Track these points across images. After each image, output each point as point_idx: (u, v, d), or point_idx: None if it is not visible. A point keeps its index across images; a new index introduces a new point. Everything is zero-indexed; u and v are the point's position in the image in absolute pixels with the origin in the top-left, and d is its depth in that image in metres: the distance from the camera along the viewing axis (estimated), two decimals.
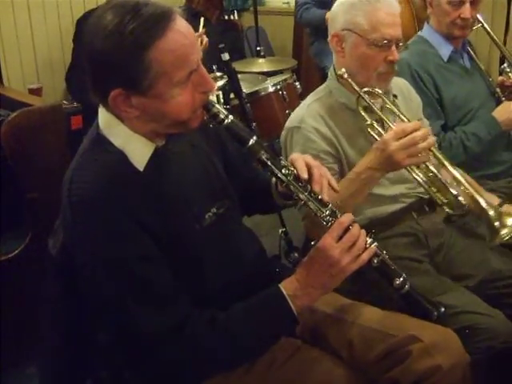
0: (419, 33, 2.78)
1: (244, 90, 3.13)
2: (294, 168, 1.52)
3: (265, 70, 3.98)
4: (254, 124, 2.98)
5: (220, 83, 2.85)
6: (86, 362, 1.69)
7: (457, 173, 1.90)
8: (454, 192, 1.87)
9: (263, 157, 1.47)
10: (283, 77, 3.57)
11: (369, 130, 1.99)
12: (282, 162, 1.51)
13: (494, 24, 4.17)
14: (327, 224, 1.49)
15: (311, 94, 2.14)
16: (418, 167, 1.95)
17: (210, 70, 3.44)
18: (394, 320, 1.69)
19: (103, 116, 1.46)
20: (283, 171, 1.49)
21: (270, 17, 5.55)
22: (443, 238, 2.19)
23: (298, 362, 1.61)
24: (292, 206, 1.78)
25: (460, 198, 1.86)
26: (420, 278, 1.94)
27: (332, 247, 1.45)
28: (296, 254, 2.91)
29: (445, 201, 1.95)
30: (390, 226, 2.09)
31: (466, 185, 1.89)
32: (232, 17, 6.02)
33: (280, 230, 2.97)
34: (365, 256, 1.49)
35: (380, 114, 1.96)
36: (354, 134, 2.04)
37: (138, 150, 1.44)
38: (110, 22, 1.31)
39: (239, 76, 3.16)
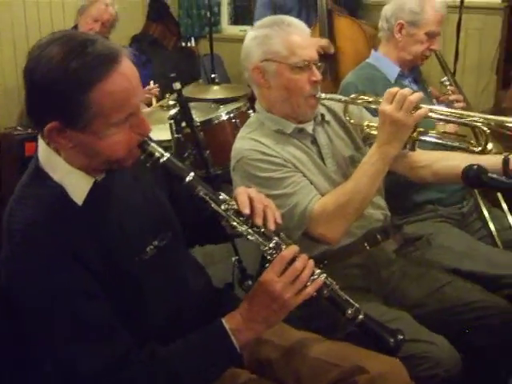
0: (366, 60, 2.84)
1: (197, 119, 3.13)
2: (236, 203, 1.51)
3: (219, 96, 4.00)
4: (207, 152, 2.99)
5: (172, 112, 2.85)
6: None
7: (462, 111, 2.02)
8: (475, 123, 1.89)
9: (201, 193, 1.47)
10: (236, 105, 3.59)
11: (367, 130, 2.10)
12: (221, 197, 1.50)
13: (445, 55, 4.26)
14: (271, 257, 1.48)
15: (243, 129, 2.16)
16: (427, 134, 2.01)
17: (163, 98, 3.45)
18: (341, 350, 1.70)
19: (42, 150, 1.45)
20: (223, 207, 1.48)
21: (227, 44, 5.59)
22: (394, 268, 2.20)
23: None
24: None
25: (483, 127, 1.86)
26: (365, 307, 1.95)
27: (273, 281, 1.44)
28: (250, 282, 2.90)
29: (473, 142, 1.99)
30: (343, 259, 2.09)
31: (478, 114, 1.92)
32: (189, 44, 6.07)
33: (233, 258, 2.96)
34: (310, 289, 1.46)
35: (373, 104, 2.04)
36: (298, 155, 2.05)
37: (77, 185, 1.43)
38: (56, 55, 1.30)
39: (193, 104, 3.18)
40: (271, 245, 1.48)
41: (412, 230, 2.52)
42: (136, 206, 1.56)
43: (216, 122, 3.36)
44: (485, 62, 4.34)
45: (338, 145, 2.14)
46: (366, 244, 2.13)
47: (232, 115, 3.39)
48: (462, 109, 2.82)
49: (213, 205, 1.48)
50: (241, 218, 1.50)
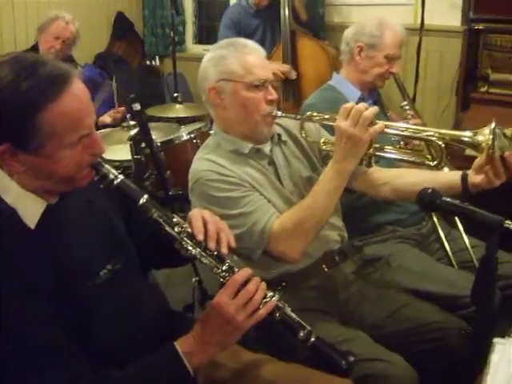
0: (328, 82, 2.85)
1: (158, 139, 3.13)
2: (190, 226, 1.52)
3: (181, 115, 4.00)
4: (168, 172, 2.98)
5: (132, 133, 2.84)
6: None
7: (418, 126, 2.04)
8: (431, 138, 1.88)
9: (154, 215, 1.48)
10: (198, 125, 3.60)
11: (324, 147, 2.10)
12: (175, 220, 1.51)
13: (406, 77, 4.34)
14: (224, 280, 1.49)
15: (200, 150, 2.15)
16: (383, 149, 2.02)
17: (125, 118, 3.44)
18: (295, 373, 1.71)
19: None
20: (176, 229, 1.50)
21: (191, 63, 5.56)
22: (353, 289, 2.21)
23: None
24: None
25: (438, 142, 1.85)
26: (322, 328, 1.96)
27: (226, 304, 1.44)
28: None
29: (428, 156, 1.98)
30: (301, 281, 2.09)
31: (433, 129, 1.91)
32: (153, 62, 6.07)
33: (194, 279, 2.95)
34: (262, 311, 1.47)
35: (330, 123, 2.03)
36: (255, 175, 2.05)
37: (29, 208, 1.42)
38: (5, 76, 1.29)
39: (154, 124, 3.17)
40: (224, 267, 1.50)
41: (371, 251, 2.54)
42: (90, 230, 1.55)
43: (177, 142, 3.36)
44: (445, 84, 4.41)
45: (295, 165, 2.15)
46: (324, 266, 2.13)
47: (193, 135, 3.40)
48: None
49: (166, 227, 1.50)
50: (194, 241, 1.51)
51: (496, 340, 1.54)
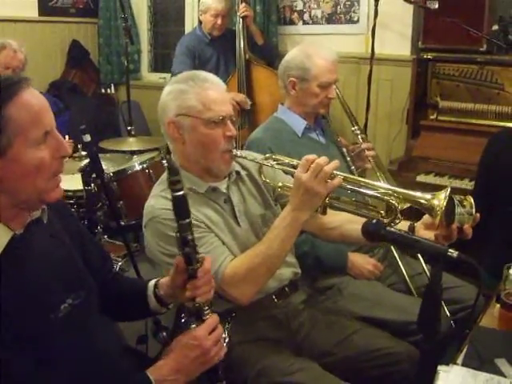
0: (274, 114, 2.87)
1: (111, 169, 3.12)
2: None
3: (135, 149, 3.96)
4: (120, 202, 2.97)
5: (82, 164, 2.82)
6: None
7: (377, 182, 2.00)
8: (386, 198, 1.87)
9: (189, 237, 1.54)
10: (150, 155, 3.60)
11: (281, 191, 2.09)
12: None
13: (358, 104, 4.43)
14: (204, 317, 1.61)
15: (156, 186, 2.11)
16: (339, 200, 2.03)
17: (76, 150, 3.41)
18: None
19: None
20: (197, 256, 1.58)
21: (147, 91, 5.61)
22: (303, 318, 2.21)
23: None
24: (163, 313, 1.85)
25: (392, 201, 1.85)
26: (273, 358, 1.98)
27: (206, 338, 1.57)
28: (164, 334, 2.87)
29: (382, 212, 1.95)
30: (251, 312, 2.08)
31: (391, 187, 1.91)
32: (109, 90, 6.05)
33: None
34: (222, 353, 1.62)
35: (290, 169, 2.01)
36: (211, 215, 2.03)
37: None
38: None
39: (108, 154, 3.16)
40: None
41: (323, 280, 2.56)
42: (52, 263, 1.54)
43: (129, 172, 3.35)
44: (396, 112, 4.48)
45: (250, 203, 2.14)
46: (274, 297, 2.15)
47: (145, 166, 3.39)
48: (373, 157, 2.90)
49: (193, 252, 1.56)
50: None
51: (440, 368, 1.56)
